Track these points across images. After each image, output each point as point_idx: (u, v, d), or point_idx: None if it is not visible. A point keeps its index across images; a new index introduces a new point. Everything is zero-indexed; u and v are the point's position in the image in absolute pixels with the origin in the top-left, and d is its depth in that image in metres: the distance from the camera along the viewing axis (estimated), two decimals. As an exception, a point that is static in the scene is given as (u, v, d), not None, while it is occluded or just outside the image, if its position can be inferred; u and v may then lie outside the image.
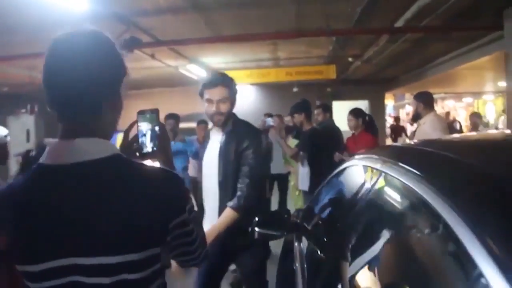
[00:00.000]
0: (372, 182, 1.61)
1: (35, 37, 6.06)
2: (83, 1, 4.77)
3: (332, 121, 6.08)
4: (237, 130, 2.60)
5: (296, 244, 2.46)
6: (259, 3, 5.58)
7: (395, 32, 6.75)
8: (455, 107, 23.60)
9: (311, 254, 2.14)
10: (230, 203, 2.44)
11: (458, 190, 1.04)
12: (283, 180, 6.70)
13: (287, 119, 7.06)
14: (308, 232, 2.46)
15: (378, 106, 14.94)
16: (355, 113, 5.51)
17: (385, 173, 1.49)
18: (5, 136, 3.55)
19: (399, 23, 6.24)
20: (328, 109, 6.13)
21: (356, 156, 2.21)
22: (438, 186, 1.05)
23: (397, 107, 25.06)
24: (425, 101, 4.76)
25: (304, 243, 2.38)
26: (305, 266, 2.13)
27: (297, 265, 2.28)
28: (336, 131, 5.79)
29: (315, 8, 5.87)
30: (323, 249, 1.93)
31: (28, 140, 11.58)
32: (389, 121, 23.79)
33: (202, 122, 6.50)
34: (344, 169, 2.32)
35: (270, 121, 6.16)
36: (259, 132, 3.00)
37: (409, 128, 17.33)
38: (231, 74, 9.41)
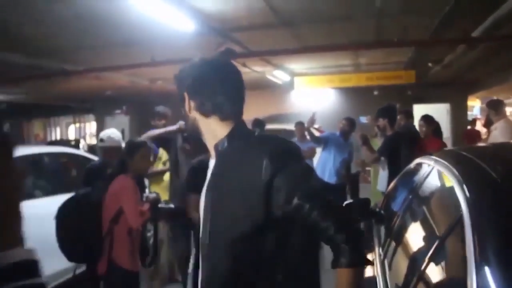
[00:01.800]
0: (425, 176, 2.20)
1: (146, 49, 7.14)
2: (189, 22, 5.62)
3: (413, 125, 6.34)
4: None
5: (374, 228, 3.03)
6: (341, 17, 6.12)
7: (470, 42, 7.00)
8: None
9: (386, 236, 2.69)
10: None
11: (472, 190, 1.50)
12: (355, 179, 7.27)
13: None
14: (384, 219, 3.06)
15: (460, 109, 14.80)
16: (427, 119, 5.78)
17: (437, 169, 2.04)
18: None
19: (477, 32, 6.53)
20: (410, 116, 6.42)
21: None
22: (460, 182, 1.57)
23: (484, 109, 24.28)
24: (496, 108, 5.11)
25: (381, 228, 2.95)
26: (381, 247, 2.69)
27: (375, 246, 2.80)
28: (417, 135, 5.92)
29: (394, 20, 6.33)
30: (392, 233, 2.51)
31: (123, 138, 12.85)
32: (477, 124, 23.18)
33: (299, 124, 7.34)
34: (414, 166, 2.88)
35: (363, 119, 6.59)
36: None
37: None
38: (313, 79, 10.09)
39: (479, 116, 24.26)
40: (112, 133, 4.19)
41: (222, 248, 1.53)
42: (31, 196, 4.77)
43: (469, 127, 11.26)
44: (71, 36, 6.35)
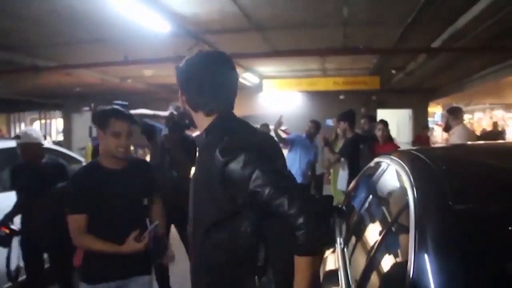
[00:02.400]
0: (382, 173, 2.48)
1: (120, 47, 7.23)
2: (164, 23, 5.77)
3: (374, 129, 6.79)
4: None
5: (336, 223, 3.29)
6: (311, 24, 6.39)
7: (431, 52, 7.42)
8: (503, 118, 23.52)
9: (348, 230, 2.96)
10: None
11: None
12: (320, 180, 7.57)
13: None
14: (346, 214, 3.34)
15: (422, 115, 15.34)
16: (384, 123, 6.06)
17: (393, 167, 2.32)
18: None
19: (437, 43, 6.94)
20: (373, 120, 6.83)
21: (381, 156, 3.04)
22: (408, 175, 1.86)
23: (444, 115, 25.12)
24: (455, 114, 5.53)
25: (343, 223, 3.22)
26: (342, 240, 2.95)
27: (338, 239, 3.06)
28: (375, 138, 6.50)
29: (360, 29, 6.66)
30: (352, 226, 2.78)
31: (90, 135, 12.73)
32: (436, 129, 24.04)
33: (264, 125, 7.60)
34: (373, 165, 3.16)
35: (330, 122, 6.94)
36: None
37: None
38: (282, 82, 10.38)
39: (440, 122, 25.21)
40: (29, 130, 3.84)
41: (200, 235, 1.66)
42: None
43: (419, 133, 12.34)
44: (45, 31, 6.37)
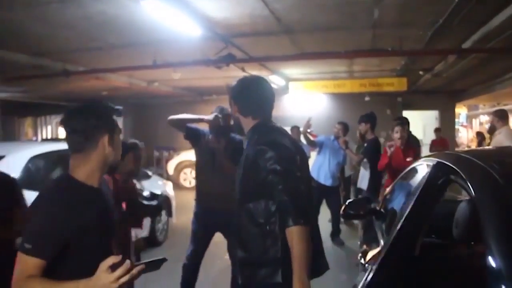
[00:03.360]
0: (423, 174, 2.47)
1: (149, 51, 7.33)
2: (197, 27, 5.83)
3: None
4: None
5: (376, 224, 3.30)
6: (340, 26, 6.37)
7: (462, 53, 7.33)
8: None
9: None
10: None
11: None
12: (348, 182, 7.55)
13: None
14: (382, 215, 3.34)
15: (448, 116, 15.18)
16: (401, 123, 5.98)
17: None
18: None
19: (467, 44, 6.87)
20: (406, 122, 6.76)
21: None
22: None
23: (470, 116, 24.83)
24: (500, 117, 5.71)
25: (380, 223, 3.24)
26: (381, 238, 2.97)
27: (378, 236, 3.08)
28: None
29: (389, 31, 6.61)
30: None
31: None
32: (462, 131, 23.73)
33: (295, 127, 7.69)
34: (412, 167, 3.16)
35: None
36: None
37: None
38: (308, 84, 10.40)
39: (465, 123, 24.85)
40: None
41: (240, 209, 2.31)
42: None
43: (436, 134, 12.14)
44: (77, 37, 6.48)
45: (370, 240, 3.19)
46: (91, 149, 1.83)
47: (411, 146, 5.71)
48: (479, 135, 13.09)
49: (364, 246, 3.29)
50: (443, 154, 2.56)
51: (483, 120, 22.78)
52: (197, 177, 4.36)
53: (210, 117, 4.07)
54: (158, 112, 14.05)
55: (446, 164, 2.22)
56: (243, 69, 8.70)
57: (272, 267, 2.16)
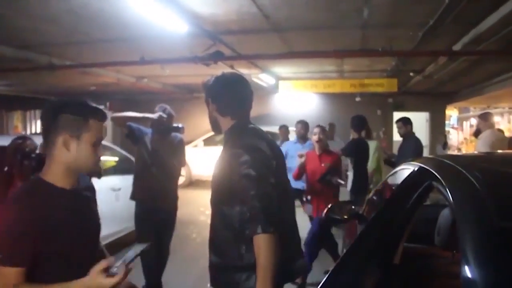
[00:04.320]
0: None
1: (137, 47, 7.21)
2: (183, 23, 5.72)
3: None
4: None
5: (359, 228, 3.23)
6: (330, 25, 6.29)
7: (452, 55, 7.29)
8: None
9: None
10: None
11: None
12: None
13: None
14: (365, 220, 3.26)
15: (439, 118, 15.19)
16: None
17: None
18: None
19: (458, 46, 6.81)
20: (409, 122, 6.69)
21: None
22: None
23: (461, 119, 24.92)
24: (485, 119, 5.68)
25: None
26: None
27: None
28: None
29: (379, 31, 6.55)
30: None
31: (105, 134, 12.81)
32: (452, 133, 23.80)
33: (283, 127, 7.67)
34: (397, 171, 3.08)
35: None
36: None
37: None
38: (298, 83, 10.35)
39: (456, 126, 24.94)
40: None
41: (214, 212, 2.23)
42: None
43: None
44: (62, 30, 6.35)
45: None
46: (52, 149, 1.71)
47: (331, 152, 5.43)
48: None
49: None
50: (426, 159, 2.48)
51: (474, 123, 22.87)
52: (137, 176, 4.37)
53: (154, 115, 4.15)
54: (148, 108, 13.87)
55: (427, 169, 2.14)
56: (232, 67, 8.60)
57: (247, 272, 2.07)
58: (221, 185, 2.17)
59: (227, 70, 8.74)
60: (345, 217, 3.43)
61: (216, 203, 2.22)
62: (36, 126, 21.97)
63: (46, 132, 1.71)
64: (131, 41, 7.01)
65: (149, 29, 6.14)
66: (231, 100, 2.26)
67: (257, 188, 2.00)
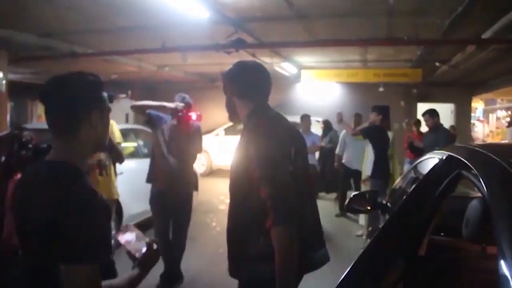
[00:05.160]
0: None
1: (158, 34, 7.18)
2: (204, 10, 5.66)
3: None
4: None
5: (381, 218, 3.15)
6: (355, 12, 6.16)
7: (481, 43, 7.06)
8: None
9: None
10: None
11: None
12: (360, 176, 7.41)
13: None
14: (389, 210, 3.18)
15: (464, 109, 14.86)
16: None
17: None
18: None
19: (487, 34, 6.59)
20: (436, 114, 6.75)
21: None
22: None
23: (487, 111, 24.38)
24: None
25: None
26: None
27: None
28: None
29: (405, 19, 6.38)
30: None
31: (127, 122, 12.89)
32: (478, 125, 23.30)
33: (305, 116, 7.72)
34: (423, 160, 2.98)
35: None
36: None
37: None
38: (321, 72, 10.26)
39: (481, 118, 24.44)
40: None
41: (232, 197, 2.20)
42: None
43: (414, 128, 10.11)
44: (83, 18, 6.36)
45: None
46: (82, 128, 1.54)
47: None
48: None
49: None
50: (455, 147, 2.38)
51: (500, 115, 22.34)
52: (153, 160, 4.61)
53: (171, 105, 4.39)
54: (168, 97, 13.92)
55: (456, 157, 2.04)
56: (253, 56, 8.52)
57: (266, 263, 1.99)
58: (239, 173, 2.13)
59: (249, 58, 8.73)
60: (368, 207, 3.36)
61: (234, 191, 2.18)
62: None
63: (69, 112, 1.53)
64: (153, 29, 6.98)
65: (170, 16, 6.10)
66: (250, 82, 2.25)
67: (274, 176, 1.94)
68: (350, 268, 1.79)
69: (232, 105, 2.30)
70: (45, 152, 3.03)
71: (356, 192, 3.63)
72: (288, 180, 1.96)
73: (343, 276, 1.76)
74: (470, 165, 1.76)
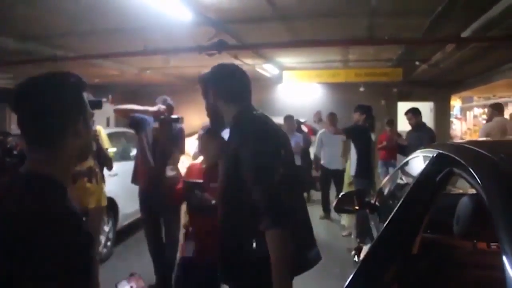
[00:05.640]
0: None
1: (140, 37, 7.10)
2: (187, 11, 5.63)
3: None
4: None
5: (370, 217, 3.16)
6: (337, 12, 6.16)
7: (462, 42, 7.16)
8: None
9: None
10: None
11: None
12: (340, 175, 7.44)
13: None
14: (377, 209, 3.19)
15: (444, 108, 15.06)
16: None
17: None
18: None
19: (466, 33, 6.68)
20: (418, 112, 6.84)
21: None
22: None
23: (464, 109, 24.70)
24: (497, 109, 5.93)
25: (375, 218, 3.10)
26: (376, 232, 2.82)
27: (372, 231, 2.95)
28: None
29: (387, 19, 6.43)
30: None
31: (108, 125, 12.73)
32: (455, 123, 23.59)
33: (288, 117, 7.73)
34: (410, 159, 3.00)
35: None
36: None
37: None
38: (302, 73, 10.25)
39: (459, 116, 24.77)
40: None
41: (222, 202, 2.20)
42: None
43: (387, 128, 9.63)
44: (65, 20, 6.26)
45: (364, 235, 3.04)
46: (66, 137, 1.31)
47: None
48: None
49: (358, 242, 3.14)
50: (443, 145, 2.40)
51: (477, 113, 22.67)
52: (138, 162, 4.70)
53: (154, 108, 4.41)
54: (150, 100, 13.78)
55: (448, 155, 2.05)
56: (235, 57, 8.50)
57: (259, 267, 1.99)
58: (230, 177, 2.11)
59: (230, 60, 8.69)
60: (356, 207, 3.37)
61: (224, 196, 2.16)
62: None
63: (52, 120, 1.29)
64: (134, 31, 6.89)
65: (152, 18, 6.04)
66: (234, 86, 2.23)
67: (266, 179, 1.93)
68: (356, 272, 1.79)
69: (215, 110, 2.26)
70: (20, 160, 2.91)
71: (344, 193, 3.64)
72: (280, 182, 1.95)
73: (349, 279, 1.76)
74: (462, 162, 1.77)
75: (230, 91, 2.21)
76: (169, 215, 4.61)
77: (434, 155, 2.21)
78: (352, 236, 5.56)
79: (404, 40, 7.32)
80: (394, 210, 2.05)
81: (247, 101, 2.25)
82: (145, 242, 4.74)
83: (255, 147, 1.98)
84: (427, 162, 2.26)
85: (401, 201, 2.09)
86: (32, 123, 1.30)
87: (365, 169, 6.13)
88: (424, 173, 2.14)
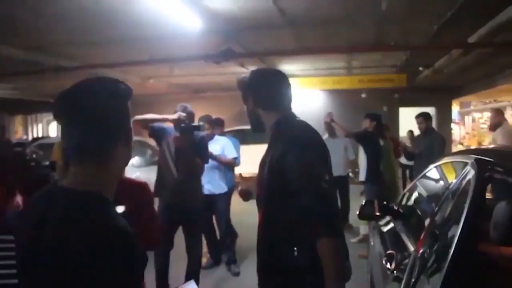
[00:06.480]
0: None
1: (145, 46, 7.09)
2: (198, 20, 5.62)
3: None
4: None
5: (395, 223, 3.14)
6: (346, 20, 6.19)
7: (469, 47, 7.18)
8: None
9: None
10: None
11: None
12: (344, 182, 7.40)
13: None
14: (401, 216, 3.18)
15: (445, 113, 15.08)
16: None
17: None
18: None
19: (473, 38, 6.70)
20: (429, 117, 6.72)
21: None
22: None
23: (462, 114, 24.82)
24: (499, 114, 5.86)
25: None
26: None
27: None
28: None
29: (395, 25, 6.44)
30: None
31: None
32: (454, 128, 23.68)
33: None
34: (436, 166, 2.98)
35: None
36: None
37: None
38: (306, 80, 10.19)
39: (457, 120, 24.85)
40: None
41: (264, 209, 2.11)
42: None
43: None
44: (71, 30, 6.24)
45: (393, 243, 3.01)
46: (118, 150, 1.25)
47: None
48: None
49: (389, 250, 3.11)
50: (477, 150, 2.39)
51: (476, 117, 22.77)
52: (160, 173, 4.42)
53: (174, 116, 4.22)
54: (152, 109, 13.75)
55: (489, 161, 2.04)
56: (242, 65, 8.49)
57: (300, 275, 1.97)
58: (273, 185, 2.03)
59: (236, 68, 8.67)
60: (377, 213, 3.36)
61: (267, 203, 2.09)
62: (37, 130, 21.84)
63: (107, 132, 1.23)
64: (141, 41, 6.89)
65: (159, 27, 6.07)
66: (274, 93, 2.18)
67: (317, 188, 1.87)
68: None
69: (256, 116, 2.21)
70: (49, 171, 2.77)
71: (366, 200, 3.63)
72: (329, 190, 1.92)
73: None
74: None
75: (268, 99, 2.17)
76: (194, 230, 4.44)
77: (473, 161, 2.19)
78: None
79: (412, 46, 7.34)
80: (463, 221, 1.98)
81: (288, 107, 2.20)
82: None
83: (304, 155, 1.93)
84: (465, 169, 2.24)
85: (449, 211, 2.06)
86: (84, 136, 1.20)
87: (373, 175, 6.15)
88: (467, 180, 2.11)
